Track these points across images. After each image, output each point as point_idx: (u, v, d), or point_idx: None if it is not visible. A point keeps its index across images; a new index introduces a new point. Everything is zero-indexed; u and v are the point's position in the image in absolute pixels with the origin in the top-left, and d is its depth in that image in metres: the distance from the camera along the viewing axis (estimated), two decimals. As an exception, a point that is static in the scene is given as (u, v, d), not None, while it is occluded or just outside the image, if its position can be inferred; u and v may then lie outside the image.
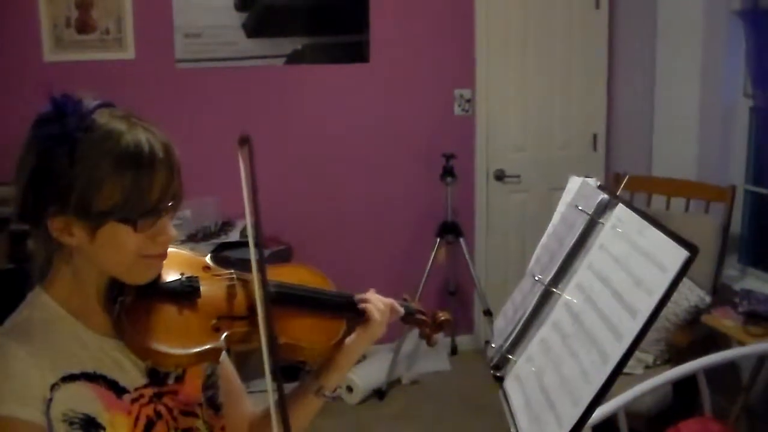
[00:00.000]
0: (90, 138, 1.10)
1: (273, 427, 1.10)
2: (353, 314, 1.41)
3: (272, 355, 1.09)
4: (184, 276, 1.25)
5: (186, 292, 1.23)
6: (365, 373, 4.26)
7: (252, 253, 1.16)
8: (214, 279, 1.29)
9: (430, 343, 1.50)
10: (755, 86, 3.74)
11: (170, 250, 1.22)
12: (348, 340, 1.39)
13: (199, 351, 1.18)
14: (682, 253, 1.08)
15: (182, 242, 3.94)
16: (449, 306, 4.79)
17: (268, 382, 1.06)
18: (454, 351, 4.86)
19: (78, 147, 1.10)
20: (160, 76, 4.15)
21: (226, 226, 4.14)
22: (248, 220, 1.16)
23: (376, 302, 1.42)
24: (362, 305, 1.41)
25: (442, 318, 1.50)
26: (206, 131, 4.22)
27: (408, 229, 4.68)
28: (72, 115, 1.11)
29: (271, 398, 1.04)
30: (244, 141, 1.16)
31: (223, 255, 3.81)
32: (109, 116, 1.14)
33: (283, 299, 1.32)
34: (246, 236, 4.37)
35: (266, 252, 3.99)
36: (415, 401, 4.29)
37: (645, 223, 1.22)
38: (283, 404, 1.08)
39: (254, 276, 1.19)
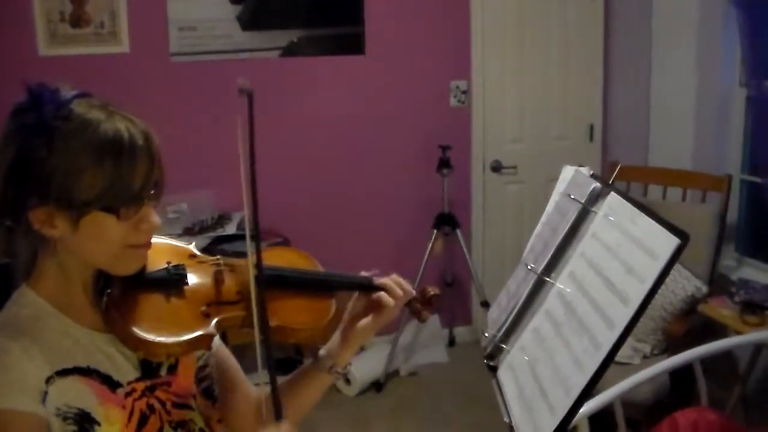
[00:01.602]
0: (68, 127, 1.09)
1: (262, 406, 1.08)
2: (364, 292, 1.44)
3: (265, 335, 1.09)
4: (171, 264, 1.26)
5: (173, 281, 1.23)
6: (363, 365, 4.27)
7: (246, 219, 1.11)
8: (200, 266, 1.30)
9: (421, 319, 1.51)
10: (750, 76, 3.74)
11: (155, 240, 1.21)
12: (362, 322, 1.42)
13: (190, 338, 1.18)
14: (674, 241, 1.09)
15: (179, 236, 3.94)
16: (446, 297, 4.80)
17: (259, 364, 1.05)
18: (451, 342, 4.87)
19: (56, 136, 1.09)
20: (154, 69, 4.14)
21: (222, 219, 4.14)
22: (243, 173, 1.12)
23: (394, 288, 1.43)
24: (376, 295, 1.43)
25: (431, 293, 1.50)
26: (202, 124, 4.21)
27: (404, 220, 4.68)
28: (49, 104, 1.10)
29: (262, 381, 1.03)
30: (242, 91, 1.11)
31: (220, 248, 3.81)
32: (87, 106, 1.13)
33: (274, 282, 1.31)
34: (243, 229, 4.34)
35: (263, 244, 3.96)
36: (412, 393, 4.29)
37: (637, 211, 1.22)
38: (274, 383, 1.06)
39: (248, 241, 1.17)
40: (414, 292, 1.48)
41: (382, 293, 1.42)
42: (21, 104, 1.12)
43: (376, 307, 1.43)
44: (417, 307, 1.49)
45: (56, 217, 1.11)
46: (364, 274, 1.46)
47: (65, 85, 1.15)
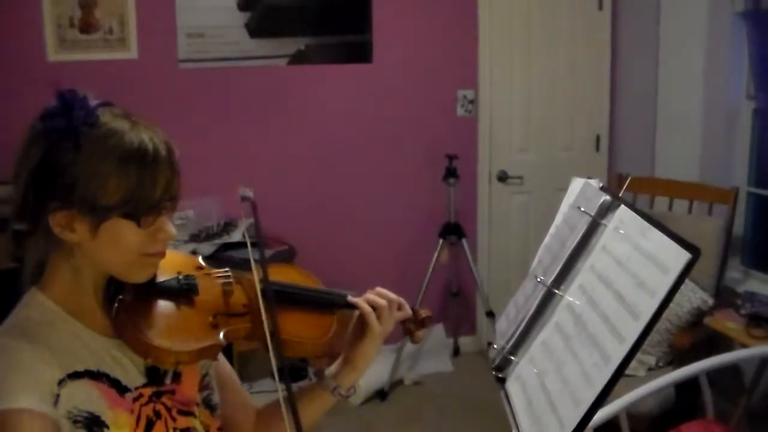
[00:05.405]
0: (95, 134, 1.11)
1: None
2: (348, 310, 1.44)
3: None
4: (181, 275, 1.28)
5: (184, 290, 1.26)
6: (368, 373, 4.22)
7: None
8: (209, 277, 1.32)
9: (414, 339, 1.53)
10: (758, 88, 3.73)
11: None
12: (360, 344, 1.43)
13: (199, 347, 1.19)
14: (684, 255, 1.08)
15: (185, 242, 3.95)
16: (452, 307, 4.80)
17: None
18: (456, 352, 4.86)
19: (83, 142, 1.10)
20: (163, 76, 4.15)
21: (228, 226, 4.14)
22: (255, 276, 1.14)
23: (375, 300, 1.43)
24: (358, 306, 1.42)
25: (424, 315, 1.53)
26: (209, 131, 4.22)
27: (410, 229, 4.68)
28: (79, 110, 1.12)
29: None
30: (245, 199, 1.15)
31: (226, 255, 3.81)
32: (111, 115, 1.15)
33: (276, 297, 1.32)
34: (249, 237, 4.36)
35: (269, 252, 3.99)
36: (417, 402, 4.29)
37: (647, 224, 1.22)
38: (292, 398, 1.08)
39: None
40: (408, 307, 1.48)
41: (361, 310, 1.42)
42: (51, 108, 1.13)
43: (363, 325, 1.42)
44: (411, 327, 1.52)
45: (76, 222, 1.12)
46: (349, 294, 1.45)
47: (88, 92, 1.16)
